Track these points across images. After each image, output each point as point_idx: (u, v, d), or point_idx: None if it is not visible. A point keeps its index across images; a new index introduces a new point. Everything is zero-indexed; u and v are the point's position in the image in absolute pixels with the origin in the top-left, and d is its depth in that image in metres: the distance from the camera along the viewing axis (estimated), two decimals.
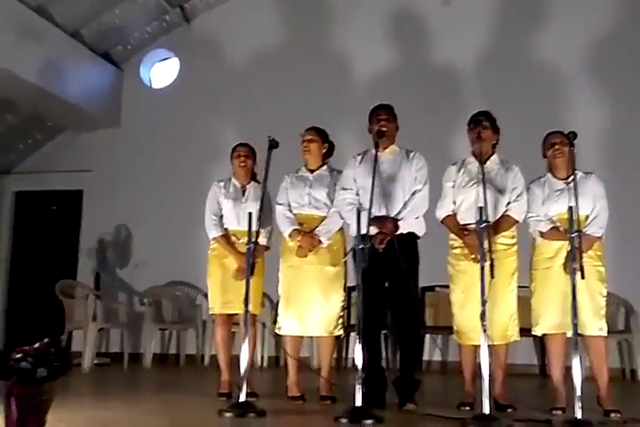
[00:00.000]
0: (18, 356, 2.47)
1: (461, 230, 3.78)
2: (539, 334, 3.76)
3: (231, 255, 4.24)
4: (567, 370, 3.78)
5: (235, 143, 4.52)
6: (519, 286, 3.82)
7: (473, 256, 3.66)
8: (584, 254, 3.41)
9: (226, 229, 4.33)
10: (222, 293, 4.24)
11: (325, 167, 4.22)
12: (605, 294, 3.67)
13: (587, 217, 3.68)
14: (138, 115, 7.53)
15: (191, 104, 7.34)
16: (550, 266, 3.68)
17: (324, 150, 4.21)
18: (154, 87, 7.78)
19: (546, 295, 3.68)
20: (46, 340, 2.57)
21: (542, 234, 3.74)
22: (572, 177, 3.55)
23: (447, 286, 6.06)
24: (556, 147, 3.73)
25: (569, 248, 3.34)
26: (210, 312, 4.40)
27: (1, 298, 7.65)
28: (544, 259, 3.72)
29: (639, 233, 6.05)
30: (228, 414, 3.35)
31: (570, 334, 3.33)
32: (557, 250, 3.65)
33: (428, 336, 6.17)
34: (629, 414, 3.45)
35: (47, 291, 6.42)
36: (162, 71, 7.86)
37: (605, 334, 3.65)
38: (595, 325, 3.60)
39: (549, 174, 3.85)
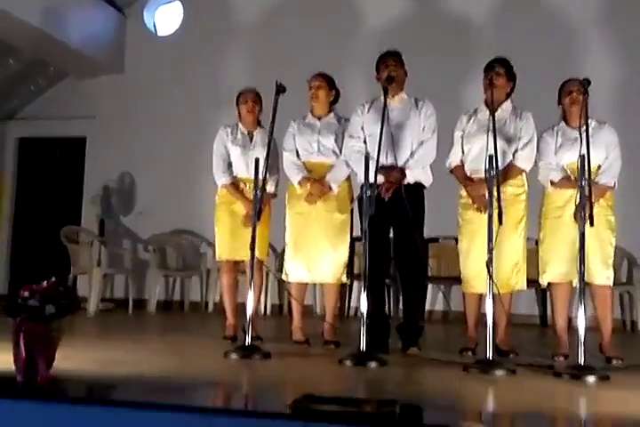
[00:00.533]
0: (26, 294, 2.49)
1: (466, 180, 3.76)
2: (545, 282, 3.77)
3: (240, 202, 4.21)
4: (570, 321, 3.84)
5: (239, 89, 4.44)
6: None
7: (476, 206, 3.66)
8: (595, 204, 3.39)
9: (235, 176, 4.29)
10: (229, 239, 4.23)
11: (332, 114, 4.17)
12: (614, 243, 3.67)
13: (599, 166, 3.65)
14: (141, 61, 7.39)
15: (195, 50, 7.18)
16: (560, 215, 3.67)
17: (331, 97, 4.15)
18: (158, 33, 7.60)
19: (554, 244, 3.67)
20: (53, 279, 2.58)
21: (553, 183, 3.71)
22: (585, 126, 3.50)
23: (451, 238, 6.13)
24: (573, 95, 3.67)
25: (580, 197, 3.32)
26: (217, 259, 4.40)
27: (6, 244, 7.68)
28: (554, 208, 3.70)
29: None
30: (234, 356, 3.40)
31: (576, 282, 3.34)
32: (568, 199, 3.62)
33: (430, 287, 6.22)
34: (631, 362, 3.50)
35: (52, 237, 6.44)
36: (165, 17, 7.66)
37: (612, 284, 3.67)
38: (602, 273, 3.61)
39: (563, 123, 3.80)
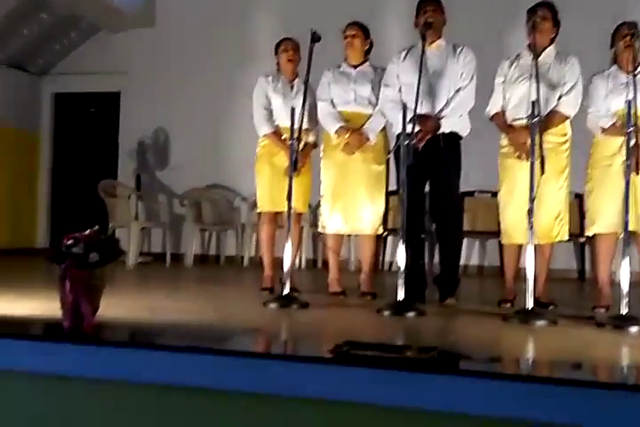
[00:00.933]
0: (70, 242, 2.52)
1: (508, 127, 3.66)
2: (592, 233, 3.67)
3: (283, 152, 4.14)
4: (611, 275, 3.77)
5: (273, 40, 4.37)
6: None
7: (517, 154, 3.58)
8: None
9: (277, 125, 4.25)
10: (270, 191, 4.20)
11: (368, 64, 4.08)
12: None
13: None
14: (173, 13, 7.30)
15: (226, 2, 7.07)
16: (610, 164, 3.54)
17: (366, 46, 4.07)
18: None
19: (603, 194, 3.56)
20: (96, 227, 2.61)
21: (603, 130, 3.59)
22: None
23: (487, 192, 6.04)
24: (627, 38, 3.51)
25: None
26: (257, 210, 4.39)
27: (46, 198, 7.83)
28: (604, 157, 3.58)
29: None
30: (273, 305, 3.44)
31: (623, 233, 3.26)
32: (619, 147, 3.48)
33: (465, 241, 6.17)
34: None
35: (90, 191, 6.53)
36: None
37: None
38: None
39: (615, 67, 3.64)
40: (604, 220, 3.59)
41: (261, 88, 4.30)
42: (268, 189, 4.25)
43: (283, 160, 4.13)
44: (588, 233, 3.70)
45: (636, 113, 3.19)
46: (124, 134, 7.50)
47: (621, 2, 5.92)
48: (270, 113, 4.27)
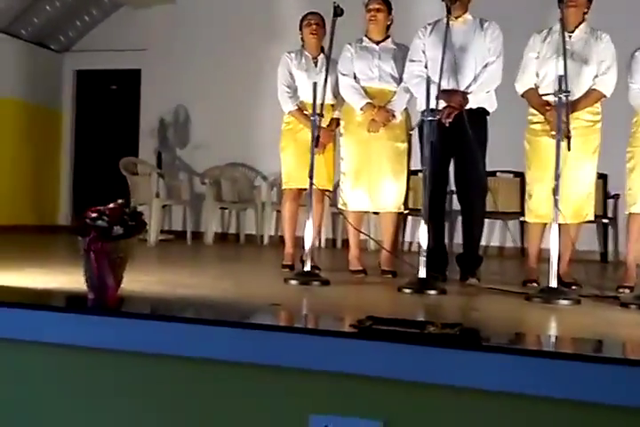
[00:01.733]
0: (94, 215, 2.53)
1: (543, 105, 3.57)
2: (635, 211, 3.58)
3: (307, 128, 4.07)
4: None
5: (296, 15, 4.32)
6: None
7: (554, 132, 3.50)
8: None
9: (301, 101, 4.20)
10: (296, 167, 4.16)
11: (390, 40, 4.03)
12: None
13: None
14: None
15: None
16: None
17: (389, 21, 4.01)
18: None
19: None
20: (120, 201, 2.61)
21: None
22: None
23: (509, 172, 5.96)
24: None
25: None
26: (283, 187, 4.37)
27: (68, 175, 7.89)
28: None
29: None
30: (294, 282, 3.44)
31: None
32: None
33: (486, 222, 6.12)
34: None
35: (111, 168, 6.56)
36: None
37: None
38: None
39: None
40: None
41: (285, 65, 4.26)
42: (293, 166, 4.22)
43: (307, 136, 4.05)
44: (631, 211, 3.59)
45: None
46: (144, 112, 7.52)
47: None
48: (294, 90, 4.23)
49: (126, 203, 2.65)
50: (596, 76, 3.56)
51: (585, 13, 3.62)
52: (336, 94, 4.07)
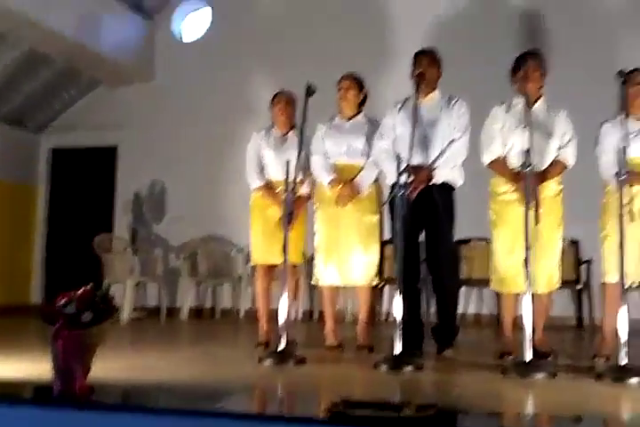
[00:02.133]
0: (63, 301, 2.50)
1: (514, 174, 3.61)
2: (609, 281, 3.53)
3: (275, 205, 4.14)
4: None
5: (270, 94, 4.45)
6: None
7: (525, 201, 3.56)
8: None
9: (268, 179, 4.27)
10: (264, 243, 4.21)
11: (361, 115, 4.15)
12: None
13: None
14: (171, 68, 7.44)
15: (224, 55, 7.21)
16: (627, 211, 3.43)
17: (360, 98, 4.13)
18: (185, 40, 7.67)
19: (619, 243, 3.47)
20: (90, 285, 2.59)
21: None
22: None
23: (483, 239, 6.03)
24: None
25: None
26: (251, 263, 4.37)
27: (40, 253, 7.79)
28: (619, 205, 3.55)
29: None
30: (268, 362, 3.38)
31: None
32: (634, 195, 3.46)
33: (462, 289, 6.14)
34: None
35: (85, 245, 6.52)
36: (195, 23, 7.73)
37: None
38: None
39: (624, 115, 3.53)
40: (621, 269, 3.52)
41: (254, 144, 4.36)
42: (260, 242, 4.25)
43: (275, 213, 4.12)
44: (605, 281, 3.59)
45: None
46: (120, 187, 7.54)
47: (608, 52, 6.09)
48: (261, 167, 4.31)
49: (98, 284, 2.63)
50: (560, 148, 3.67)
51: (540, 88, 3.76)
52: (305, 171, 4.14)
